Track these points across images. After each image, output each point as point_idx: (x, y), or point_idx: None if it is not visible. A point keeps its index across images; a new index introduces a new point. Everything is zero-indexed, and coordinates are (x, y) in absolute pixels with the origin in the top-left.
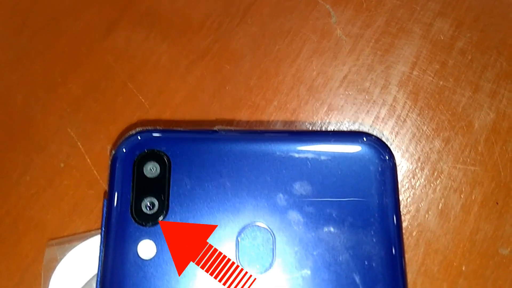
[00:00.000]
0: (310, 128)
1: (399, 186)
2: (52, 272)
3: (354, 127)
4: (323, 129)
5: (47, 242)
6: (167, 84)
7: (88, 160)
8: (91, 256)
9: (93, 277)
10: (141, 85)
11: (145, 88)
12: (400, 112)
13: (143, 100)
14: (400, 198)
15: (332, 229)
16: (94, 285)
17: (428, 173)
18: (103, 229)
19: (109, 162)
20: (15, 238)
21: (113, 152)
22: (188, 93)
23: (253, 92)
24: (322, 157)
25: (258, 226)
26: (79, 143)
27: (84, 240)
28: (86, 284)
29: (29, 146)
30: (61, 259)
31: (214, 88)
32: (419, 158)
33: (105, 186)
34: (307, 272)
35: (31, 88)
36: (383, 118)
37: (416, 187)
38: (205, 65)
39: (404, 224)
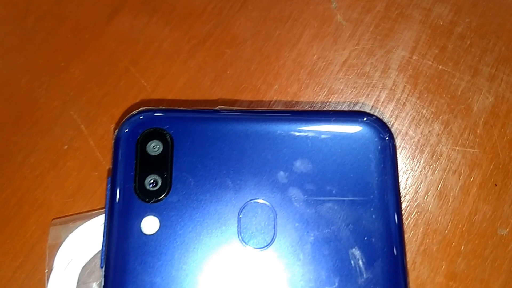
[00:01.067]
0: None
1: (399, 168)
2: (57, 251)
3: None
4: None
5: (51, 221)
6: (169, 68)
7: (92, 142)
8: (95, 235)
9: (96, 253)
10: (143, 70)
11: (147, 72)
12: (399, 95)
13: (145, 84)
14: (399, 179)
15: (332, 206)
16: (98, 261)
17: (427, 155)
18: (107, 206)
19: (113, 141)
20: (20, 219)
21: (117, 130)
22: (190, 77)
23: (254, 76)
24: (323, 136)
25: (259, 203)
26: (82, 126)
27: (88, 220)
28: (89, 261)
29: (33, 129)
30: (65, 238)
31: (216, 73)
32: (418, 140)
33: (108, 167)
34: (307, 247)
35: (35, 73)
36: (383, 102)
37: (415, 169)
38: (206, 50)
39: (404, 205)
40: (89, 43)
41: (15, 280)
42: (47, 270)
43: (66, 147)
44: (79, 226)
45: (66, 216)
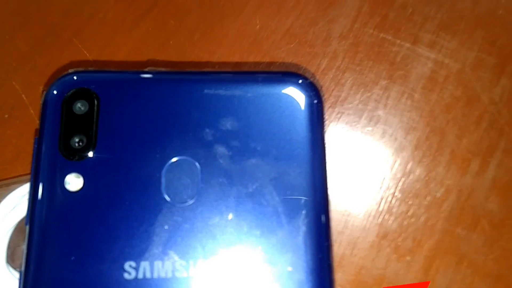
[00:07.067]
0: None
1: (337, 133)
2: None
3: None
4: None
5: None
6: (112, 39)
7: (32, 111)
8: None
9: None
10: (87, 41)
11: (90, 43)
12: (340, 63)
13: (87, 55)
14: (337, 144)
15: (256, 162)
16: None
17: (365, 120)
18: (33, 164)
19: (41, 102)
20: None
21: (44, 92)
22: (133, 47)
23: (196, 46)
24: (249, 95)
25: (184, 159)
26: (23, 95)
27: (22, 184)
28: (20, 221)
29: None
30: None
31: (159, 43)
32: (357, 105)
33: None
34: (231, 202)
35: None
36: (323, 69)
37: (353, 133)
38: (151, 20)
39: (336, 167)
40: (33, 15)
41: None
42: None
43: (6, 116)
44: (13, 190)
45: (0, 180)
